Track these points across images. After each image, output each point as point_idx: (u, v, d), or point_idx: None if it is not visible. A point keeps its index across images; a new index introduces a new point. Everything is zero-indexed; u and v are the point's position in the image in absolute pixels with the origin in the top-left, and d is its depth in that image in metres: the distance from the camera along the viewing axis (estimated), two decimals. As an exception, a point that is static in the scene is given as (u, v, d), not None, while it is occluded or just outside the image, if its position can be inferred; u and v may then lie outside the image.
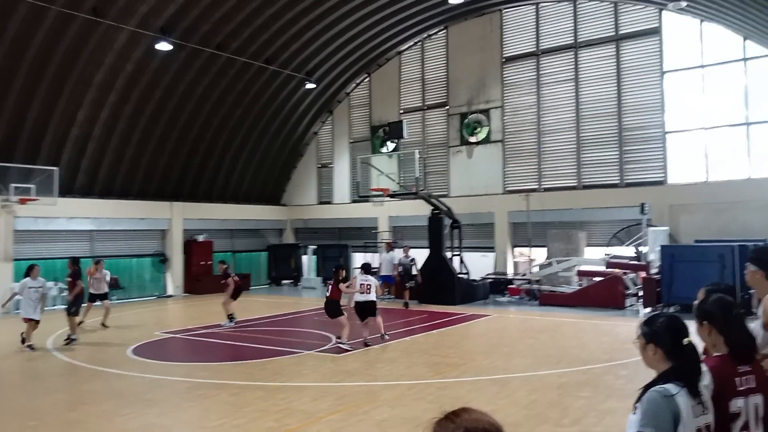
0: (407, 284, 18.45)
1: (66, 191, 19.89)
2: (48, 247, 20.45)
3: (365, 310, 12.19)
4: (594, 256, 19.56)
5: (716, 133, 18.94)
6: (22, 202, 18.40)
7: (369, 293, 12.17)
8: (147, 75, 20.11)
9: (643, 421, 2.49)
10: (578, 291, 18.10)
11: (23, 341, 12.22)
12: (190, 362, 11.14)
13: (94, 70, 18.76)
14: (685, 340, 2.60)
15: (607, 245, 19.75)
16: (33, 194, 18.32)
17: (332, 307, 12.01)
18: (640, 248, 18.10)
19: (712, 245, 15.94)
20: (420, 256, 19.56)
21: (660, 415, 2.46)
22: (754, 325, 3.87)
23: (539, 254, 20.77)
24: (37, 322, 12.18)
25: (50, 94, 18.46)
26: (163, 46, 18.88)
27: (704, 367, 2.78)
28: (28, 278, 12.25)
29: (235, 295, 14.88)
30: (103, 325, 14.90)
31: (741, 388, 2.83)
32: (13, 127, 18.42)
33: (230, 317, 14.80)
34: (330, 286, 12.24)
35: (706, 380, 2.71)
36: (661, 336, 2.65)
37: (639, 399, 2.57)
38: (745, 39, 18.34)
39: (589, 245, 20.05)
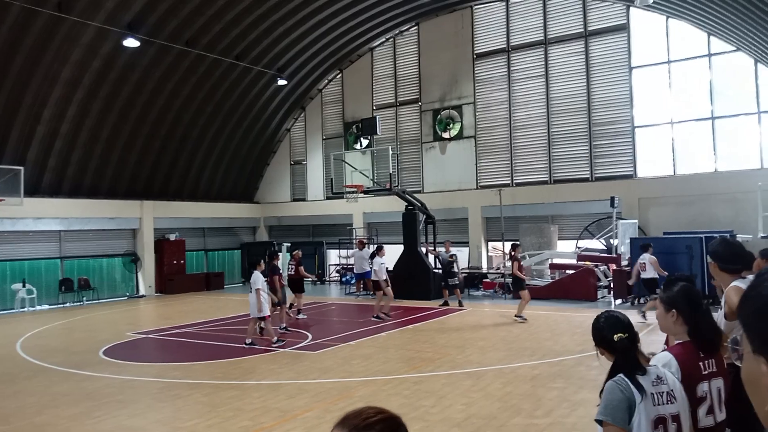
0: (449, 282, 17.17)
1: (32, 191, 19.44)
2: (14, 248, 19.99)
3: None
4: (566, 250, 19.84)
5: (683, 128, 19.34)
6: (-13, 202, 17.92)
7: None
8: (115, 71, 19.74)
9: (600, 409, 2.59)
10: (551, 284, 18.35)
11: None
12: (163, 363, 11.01)
13: (60, 67, 18.35)
14: (616, 337, 2.65)
15: (579, 238, 20.04)
16: (-2, 194, 17.86)
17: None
18: (611, 241, 18.40)
19: (680, 237, 16.28)
20: (395, 252, 19.59)
21: (614, 403, 2.55)
22: (718, 315, 3.97)
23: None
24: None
25: (15, 92, 18.01)
26: (131, 42, 18.56)
27: (669, 355, 2.84)
28: (256, 271, 11.61)
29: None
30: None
31: (705, 373, 2.91)
32: (-24, 126, 17.98)
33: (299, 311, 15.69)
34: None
35: (672, 368, 2.77)
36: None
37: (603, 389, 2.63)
38: (709, 35, 18.72)
39: (560, 239, 20.35)
